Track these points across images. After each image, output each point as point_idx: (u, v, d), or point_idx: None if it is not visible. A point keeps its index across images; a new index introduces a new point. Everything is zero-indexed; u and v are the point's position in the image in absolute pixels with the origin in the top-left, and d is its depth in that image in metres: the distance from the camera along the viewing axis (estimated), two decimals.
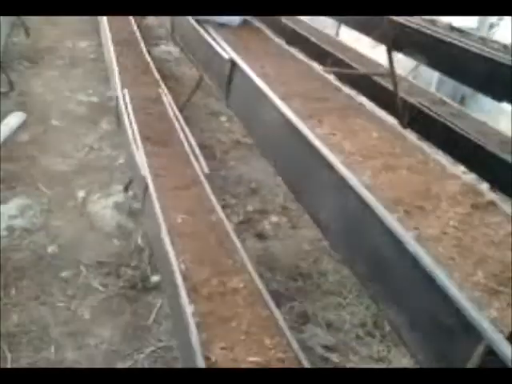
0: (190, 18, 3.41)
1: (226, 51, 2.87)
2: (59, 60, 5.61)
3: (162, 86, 3.91)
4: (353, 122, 2.21)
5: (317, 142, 1.96)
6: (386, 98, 3.00)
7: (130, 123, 3.32)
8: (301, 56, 3.09)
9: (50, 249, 2.99)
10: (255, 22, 3.56)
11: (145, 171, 2.79)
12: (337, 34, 4.92)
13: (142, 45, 4.78)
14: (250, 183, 3.69)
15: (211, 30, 3.27)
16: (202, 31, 3.24)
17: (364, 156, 1.91)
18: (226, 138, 4.23)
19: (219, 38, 3.13)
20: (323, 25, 4.64)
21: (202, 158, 2.91)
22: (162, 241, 2.30)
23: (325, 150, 1.91)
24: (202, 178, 2.80)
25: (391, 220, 1.52)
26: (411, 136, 2.23)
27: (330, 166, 1.83)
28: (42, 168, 3.70)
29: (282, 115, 2.24)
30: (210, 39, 3.10)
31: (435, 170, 1.89)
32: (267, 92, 2.38)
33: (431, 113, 3.06)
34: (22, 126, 4.14)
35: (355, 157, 1.89)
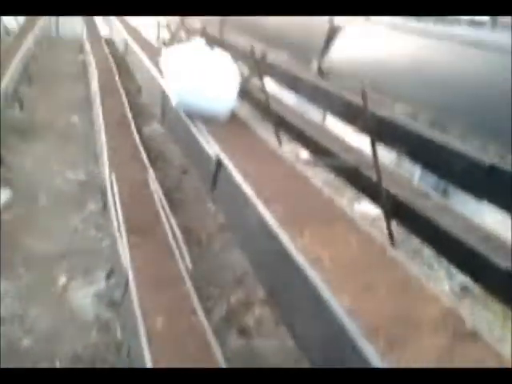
0: (181, 111, 3.51)
1: (213, 147, 2.91)
2: (51, 134, 5.64)
3: (150, 170, 3.96)
4: (334, 232, 2.19)
5: (297, 256, 1.96)
6: (370, 189, 3.04)
7: (116, 210, 3.33)
8: (286, 155, 3.11)
9: (25, 341, 2.90)
10: (242, 115, 3.59)
11: (127, 264, 2.77)
12: (323, 119, 5.09)
13: (133, 126, 4.88)
14: (234, 271, 3.66)
15: (199, 123, 3.35)
16: (190, 125, 3.30)
17: (344, 272, 1.92)
18: (212, 222, 4.25)
19: (207, 132, 3.20)
20: (309, 108, 4.79)
21: (186, 252, 2.90)
22: (140, 343, 2.26)
23: (304, 265, 1.92)
24: (185, 273, 2.78)
25: (372, 354, 1.51)
26: (391, 250, 2.24)
27: (309, 283, 1.84)
28: (23, 250, 3.63)
29: (263, 221, 2.26)
30: (197, 134, 3.17)
31: (415, 289, 1.87)
32: (250, 195, 2.43)
33: (414, 206, 3.11)
34: (6, 204, 4.16)
35: (334, 273, 1.90)
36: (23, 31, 9.26)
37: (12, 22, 10.39)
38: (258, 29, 3.05)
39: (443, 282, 3.18)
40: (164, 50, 3.83)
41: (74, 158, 5.13)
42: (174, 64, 3.47)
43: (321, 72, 2.44)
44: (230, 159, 2.76)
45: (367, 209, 3.37)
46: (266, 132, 3.38)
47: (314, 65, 2.44)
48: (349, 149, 3.94)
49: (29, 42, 8.54)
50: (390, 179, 3.17)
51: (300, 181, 2.75)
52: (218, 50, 3.67)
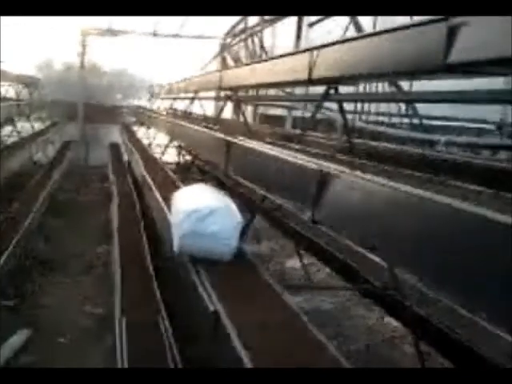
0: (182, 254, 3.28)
1: (212, 299, 2.62)
2: (73, 266, 5.65)
3: (163, 312, 3.65)
4: None
5: None
6: (397, 309, 2.92)
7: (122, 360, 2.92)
8: (292, 304, 2.69)
9: None
10: (248, 255, 3.37)
11: None
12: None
13: (149, 262, 4.61)
14: None
15: (200, 268, 3.10)
16: (191, 271, 3.09)
17: None
18: None
19: (207, 279, 2.91)
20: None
21: None
22: None
23: None
24: None
25: None
26: None
27: None
28: None
29: None
30: (195, 281, 2.93)
31: None
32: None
33: (442, 327, 2.97)
34: (27, 345, 3.90)
35: None
36: (52, 165, 10.15)
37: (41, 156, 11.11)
38: (259, 172, 3.07)
39: None
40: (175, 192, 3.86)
41: (95, 289, 5.05)
42: (176, 207, 3.54)
43: (314, 221, 2.38)
44: (228, 310, 2.47)
45: None
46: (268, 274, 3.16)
47: (308, 213, 2.37)
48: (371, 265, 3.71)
49: (56, 175, 9.39)
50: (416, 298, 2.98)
51: (303, 334, 2.34)
52: (220, 193, 3.76)
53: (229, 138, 3.86)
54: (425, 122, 5.55)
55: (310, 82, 3.04)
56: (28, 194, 7.27)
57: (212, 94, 8.54)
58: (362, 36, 2.56)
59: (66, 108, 15.43)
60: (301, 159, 2.64)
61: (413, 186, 1.80)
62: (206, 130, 5.21)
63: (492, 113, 7.28)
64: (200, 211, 3.24)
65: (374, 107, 8.47)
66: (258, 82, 4.29)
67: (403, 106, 7.02)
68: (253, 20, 10.35)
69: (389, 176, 2.23)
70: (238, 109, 7.04)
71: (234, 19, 11.63)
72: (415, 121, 5.95)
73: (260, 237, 6.48)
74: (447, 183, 2.41)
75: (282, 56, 3.62)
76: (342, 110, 3.37)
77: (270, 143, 3.80)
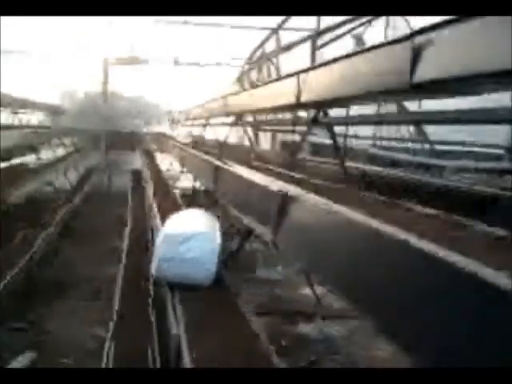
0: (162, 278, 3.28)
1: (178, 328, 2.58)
2: (83, 289, 5.67)
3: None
4: None
5: None
6: None
7: None
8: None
9: None
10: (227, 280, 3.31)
11: None
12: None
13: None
14: None
15: (176, 295, 3.04)
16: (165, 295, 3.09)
17: None
18: None
19: (180, 308, 2.85)
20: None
21: None
22: None
23: None
24: None
25: None
26: None
27: None
28: None
29: None
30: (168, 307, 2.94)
31: None
32: None
33: None
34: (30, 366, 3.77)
35: None
36: (75, 190, 10.79)
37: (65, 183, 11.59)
38: (239, 198, 3.09)
39: None
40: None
41: (103, 313, 4.84)
42: (161, 230, 3.54)
43: (275, 245, 2.34)
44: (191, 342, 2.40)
45: None
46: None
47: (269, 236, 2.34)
48: None
49: (76, 200, 9.89)
50: None
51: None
52: (211, 218, 3.70)
53: (214, 162, 3.89)
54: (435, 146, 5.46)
55: (298, 106, 3.05)
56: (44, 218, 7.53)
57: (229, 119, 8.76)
58: (340, 57, 2.51)
59: (89, 135, 15.84)
60: (264, 181, 2.63)
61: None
62: (197, 153, 5.30)
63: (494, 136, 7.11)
64: (179, 235, 3.19)
65: (384, 131, 8.46)
66: (255, 107, 4.29)
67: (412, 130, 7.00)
68: (271, 46, 10.56)
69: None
70: (246, 134, 7.04)
71: (253, 46, 11.85)
72: (421, 145, 5.87)
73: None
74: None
75: (270, 81, 3.62)
76: (332, 134, 3.25)
77: (253, 167, 3.84)
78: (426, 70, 1.70)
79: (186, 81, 15.71)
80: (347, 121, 3.63)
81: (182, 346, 2.32)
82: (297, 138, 10.74)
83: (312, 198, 2.13)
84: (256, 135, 9.37)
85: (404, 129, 7.66)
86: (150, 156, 12.93)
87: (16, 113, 12.25)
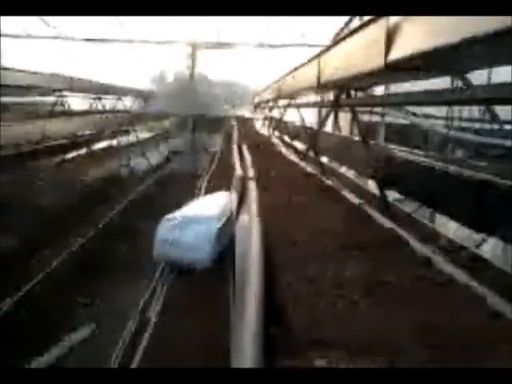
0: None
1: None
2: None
3: None
4: None
5: None
6: None
7: None
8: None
9: None
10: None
11: None
12: None
13: None
14: None
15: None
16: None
17: None
18: None
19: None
20: None
21: None
22: None
23: None
24: None
25: None
26: None
27: None
28: None
29: None
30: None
31: None
32: None
33: None
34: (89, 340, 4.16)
35: None
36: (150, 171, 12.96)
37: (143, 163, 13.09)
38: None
39: None
40: None
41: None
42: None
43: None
44: None
45: None
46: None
47: None
48: None
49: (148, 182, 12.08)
50: None
51: None
52: (227, 203, 3.70)
53: None
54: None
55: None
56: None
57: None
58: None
59: (177, 119, 15.96)
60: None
61: None
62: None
63: None
64: (176, 219, 3.28)
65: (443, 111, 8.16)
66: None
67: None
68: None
69: None
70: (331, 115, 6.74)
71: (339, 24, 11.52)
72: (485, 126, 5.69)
73: None
74: None
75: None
76: (354, 114, 3.34)
77: None
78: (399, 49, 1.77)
79: (274, 64, 15.49)
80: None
81: None
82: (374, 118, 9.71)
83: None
84: (336, 116, 8.74)
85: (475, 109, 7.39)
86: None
87: (119, 99, 12.83)
